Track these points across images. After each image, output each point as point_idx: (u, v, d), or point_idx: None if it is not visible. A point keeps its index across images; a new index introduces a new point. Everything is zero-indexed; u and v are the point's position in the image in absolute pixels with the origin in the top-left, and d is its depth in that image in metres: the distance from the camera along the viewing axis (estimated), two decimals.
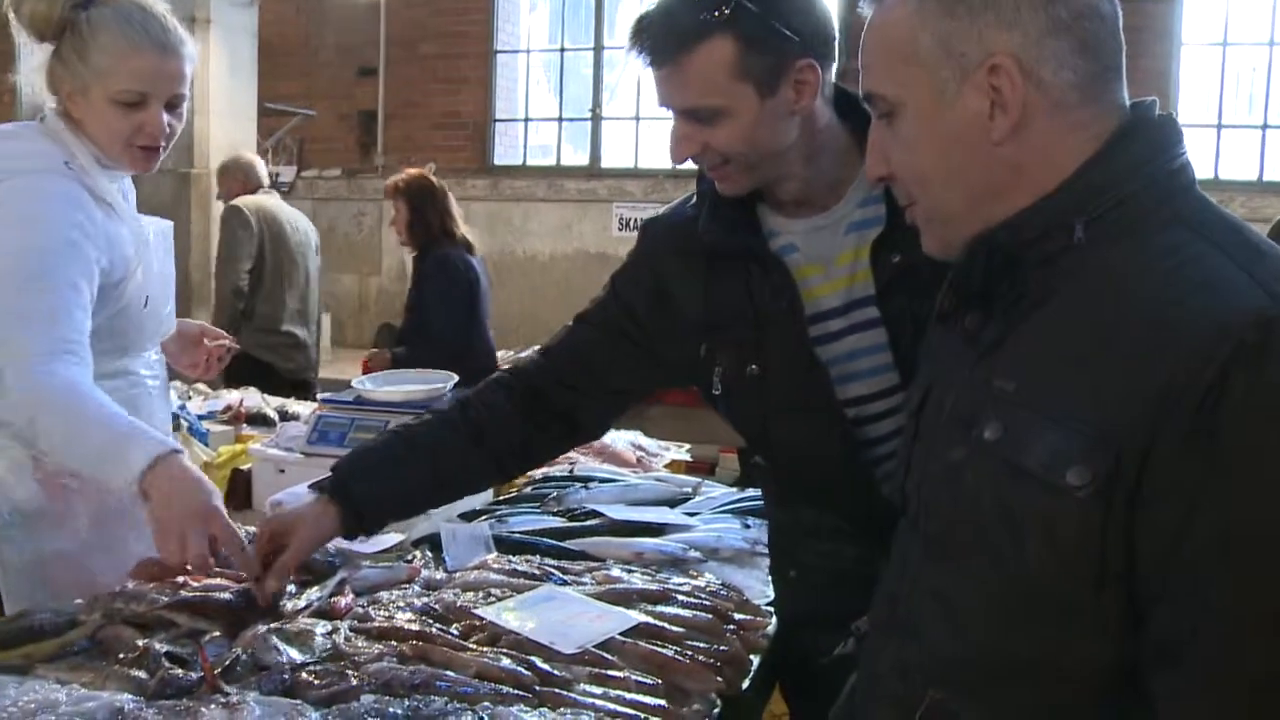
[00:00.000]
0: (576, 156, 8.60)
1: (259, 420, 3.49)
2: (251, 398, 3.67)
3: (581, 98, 8.58)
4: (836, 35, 1.51)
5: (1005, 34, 0.99)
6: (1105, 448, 0.90)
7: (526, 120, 8.75)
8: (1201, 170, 6.65)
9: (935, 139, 1.04)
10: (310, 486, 1.77)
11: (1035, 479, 0.94)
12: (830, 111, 1.54)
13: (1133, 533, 0.90)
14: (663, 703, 1.42)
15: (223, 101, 7.18)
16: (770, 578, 1.89)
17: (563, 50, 8.65)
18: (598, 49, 8.36)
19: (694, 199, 1.69)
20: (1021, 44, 0.99)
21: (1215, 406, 0.86)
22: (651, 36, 1.48)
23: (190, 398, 3.80)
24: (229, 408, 3.56)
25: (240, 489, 3.04)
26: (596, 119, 8.38)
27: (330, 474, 1.74)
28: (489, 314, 4.84)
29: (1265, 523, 0.85)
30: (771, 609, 1.81)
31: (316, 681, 1.44)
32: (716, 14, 1.43)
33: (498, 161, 8.68)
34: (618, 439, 3.15)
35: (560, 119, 8.69)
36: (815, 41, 1.48)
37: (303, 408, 3.64)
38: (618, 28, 8.44)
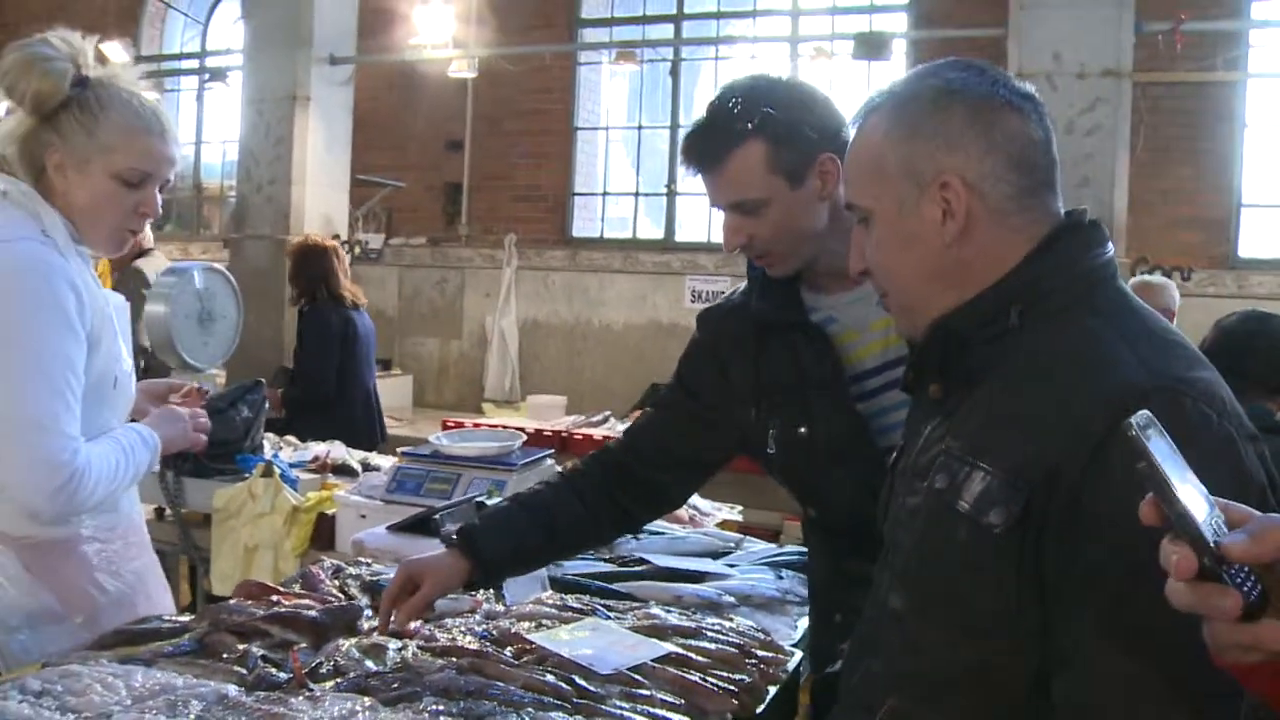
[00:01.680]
0: (652, 230, 8.90)
1: (343, 470, 3.79)
2: (337, 450, 3.98)
3: (658, 173, 8.90)
4: (848, 128, 1.78)
5: (952, 157, 1.23)
6: (1018, 495, 1.12)
7: (605, 194, 9.08)
8: (1265, 249, 6.70)
9: (899, 241, 1.28)
10: (443, 541, 2.01)
11: (968, 519, 1.16)
12: None
13: (1040, 564, 1.12)
14: (683, 718, 1.64)
15: (318, 172, 7.64)
16: (810, 619, 2.09)
17: (640, 128, 9.00)
18: (674, 127, 8.68)
19: (740, 290, 1.98)
20: (965, 164, 1.23)
21: (1095, 466, 1.07)
22: (697, 148, 1.80)
23: (281, 449, 4.12)
24: (316, 458, 3.87)
25: (325, 531, 3.33)
26: (671, 194, 8.68)
27: (457, 533, 1.97)
28: (369, 364, 5.45)
29: (1129, 554, 1.04)
30: (795, 649, 2.02)
31: (386, 685, 1.69)
32: (750, 125, 1.74)
33: (576, 233, 9.00)
34: None
35: (637, 193, 9.01)
36: (833, 137, 1.77)
37: (383, 460, 3.94)
38: (694, 106, 8.78)
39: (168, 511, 3.53)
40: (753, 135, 1.74)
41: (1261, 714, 0.95)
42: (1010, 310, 1.22)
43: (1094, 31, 5.39)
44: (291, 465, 3.71)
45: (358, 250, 7.98)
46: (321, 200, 7.66)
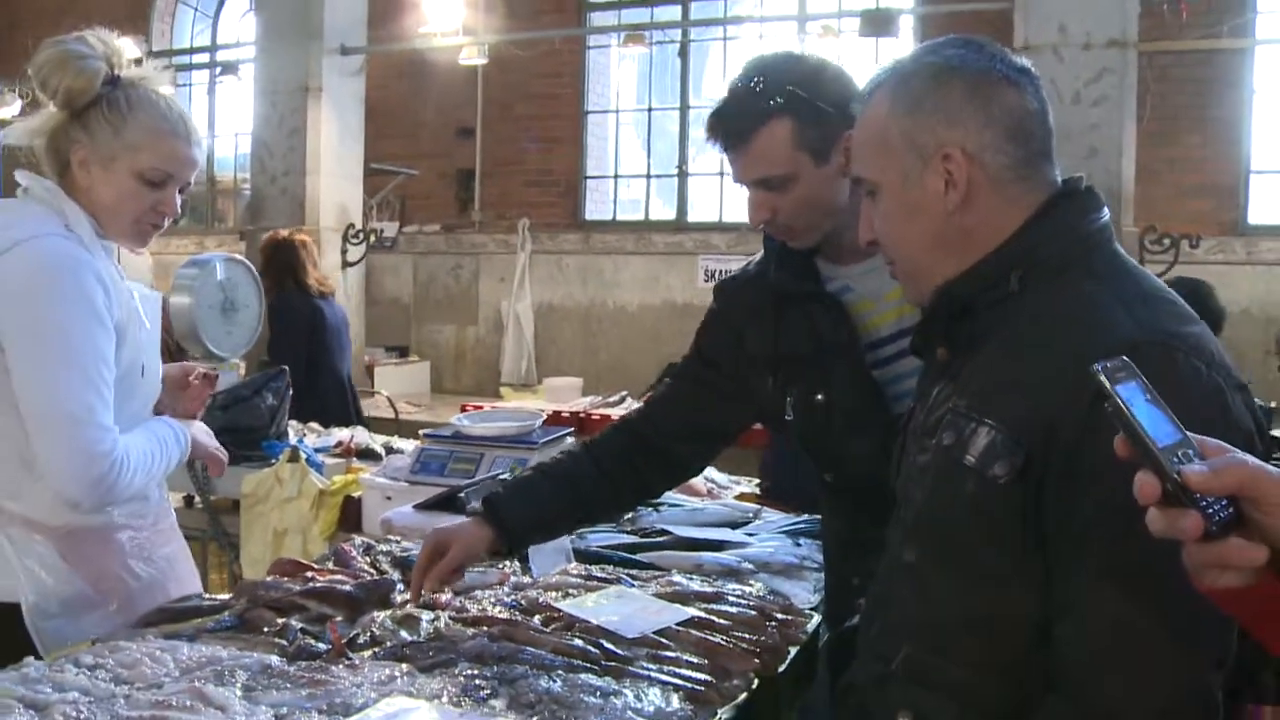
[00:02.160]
0: (664, 211, 8.94)
1: (367, 454, 3.86)
2: (359, 435, 4.05)
3: (668, 154, 8.94)
4: None
5: (953, 130, 1.28)
6: (1019, 448, 1.18)
7: (616, 177, 9.13)
8: (1274, 215, 6.69)
9: (906, 212, 1.33)
10: (468, 512, 2.08)
11: (974, 472, 1.22)
12: None
13: (1040, 514, 1.17)
14: (708, 677, 1.70)
15: (332, 163, 7.70)
16: (826, 583, 2.15)
17: (650, 110, 9.04)
18: (684, 108, 8.72)
19: (755, 261, 2.02)
20: (965, 137, 1.28)
21: (1091, 418, 1.12)
22: (723, 126, 1.84)
23: (305, 435, 4.20)
24: (340, 443, 3.95)
25: (352, 513, 3.41)
26: (683, 175, 8.72)
27: (482, 502, 2.04)
28: (341, 349, 5.53)
29: (1120, 511, 1.09)
30: (813, 612, 2.08)
31: (421, 654, 1.76)
32: (774, 102, 1.78)
33: (589, 217, 9.06)
34: None
35: (648, 175, 9.05)
36: (854, 115, 1.80)
37: (405, 444, 4.01)
38: (703, 86, 8.82)
39: (196, 499, 3.61)
40: (779, 112, 1.78)
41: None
42: (1010, 275, 1.28)
43: (1099, 2, 5.40)
44: (316, 450, 3.78)
45: (373, 239, 8.04)
46: (336, 190, 7.72)
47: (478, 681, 1.60)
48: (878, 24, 6.08)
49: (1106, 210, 1.32)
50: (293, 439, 3.85)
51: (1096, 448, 1.11)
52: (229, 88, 9.57)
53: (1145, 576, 1.10)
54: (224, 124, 10.57)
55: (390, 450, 3.91)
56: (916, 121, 1.30)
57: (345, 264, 7.77)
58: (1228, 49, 6.72)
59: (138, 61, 1.99)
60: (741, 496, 3.36)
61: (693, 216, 8.74)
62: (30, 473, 1.91)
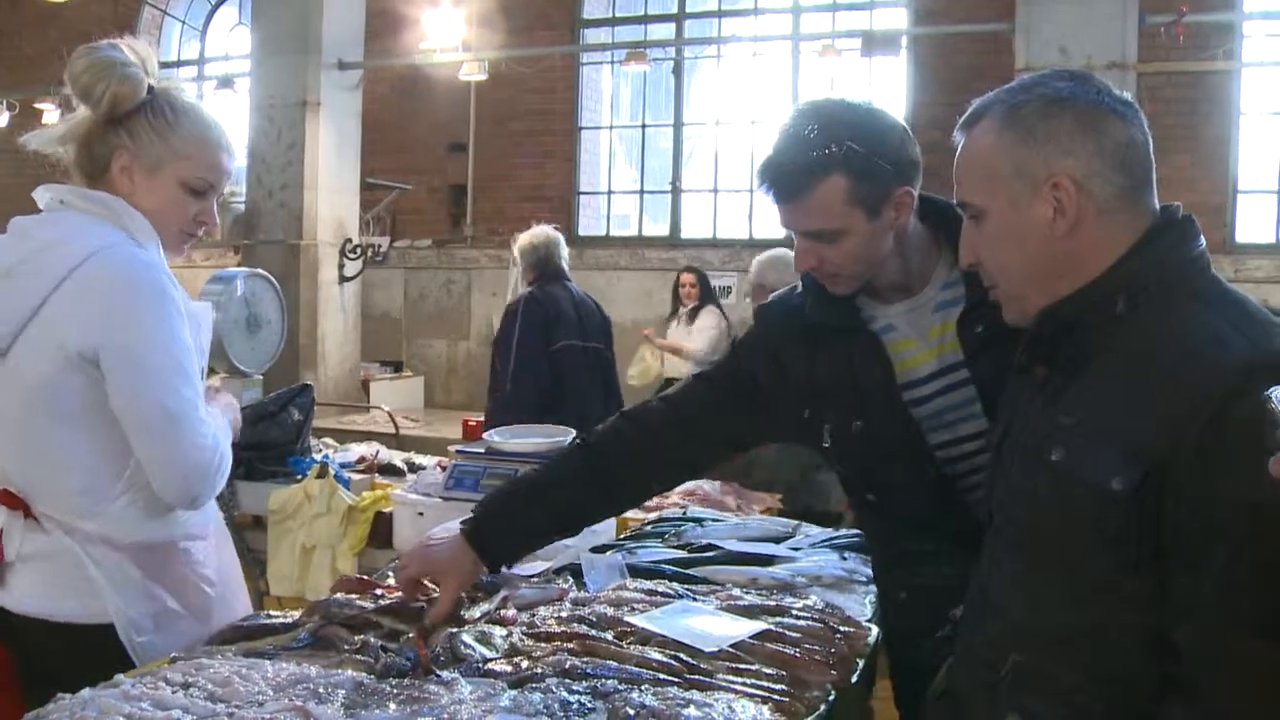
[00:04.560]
0: (656, 227, 8.98)
1: (389, 470, 3.87)
2: (382, 451, 4.06)
3: (661, 171, 8.99)
4: (920, 161, 1.85)
5: (1064, 159, 1.33)
6: (1138, 463, 1.22)
7: (610, 193, 9.16)
8: (1260, 234, 6.82)
9: (1013, 236, 1.38)
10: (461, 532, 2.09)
11: (1089, 487, 1.26)
12: (914, 216, 1.88)
13: (1159, 526, 1.22)
14: (788, 688, 1.73)
15: (330, 177, 7.71)
16: (877, 600, 2.17)
17: (644, 126, 9.09)
18: (677, 125, 8.78)
19: (799, 288, 2.04)
20: (1075, 166, 1.33)
21: (1214, 432, 1.17)
22: (778, 179, 1.83)
23: (321, 450, 4.20)
24: (362, 459, 3.95)
25: (382, 529, 3.41)
26: (676, 191, 8.77)
27: (469, 530, 2.06)
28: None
29: (1246, 515, 1.17)
30: (871, 625, 2.11)
31: (505, 670, 1.77)
32: (829, 151, 1.77)
33: (582, 232, 9.09)
34: (715, 488, 3.48)
35: (641, 191, 9.09)
36: (908, 170, 1.83)
37: (426, 459, 4.02)
38: (695, 104, 8.87)
39: (221, 515, 3.60)
40: (835, 169, 1.77)
41: None
42: (1118, 298, 1.32)
43: (1100, 25, 5.51)
44: (342, 466, 3.78)
45: (370, 254, 8.03)
46: (333, 205, 7.73)
47: (573, 696, 1.62)
48: (879, 44, 6.15)
49: (1203, 238, 1.37)
50: (316, 454, 3.86)
51: (1223, 457, 1.16)
52: (218, 102, 9.54)
53: (1265, 585, 1.14)
54: None
55: (413, 466, 3.92)
56: (1028, 150, 1.34)
57: (342, 279, 7.77)
58: (1216, 71, 6.84)
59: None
60: (766, 511, 3.40)
61: (686, 233, 8.78)
62: (113, 491, 1.92)
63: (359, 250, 7.84)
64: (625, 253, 8.73)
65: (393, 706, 1.56)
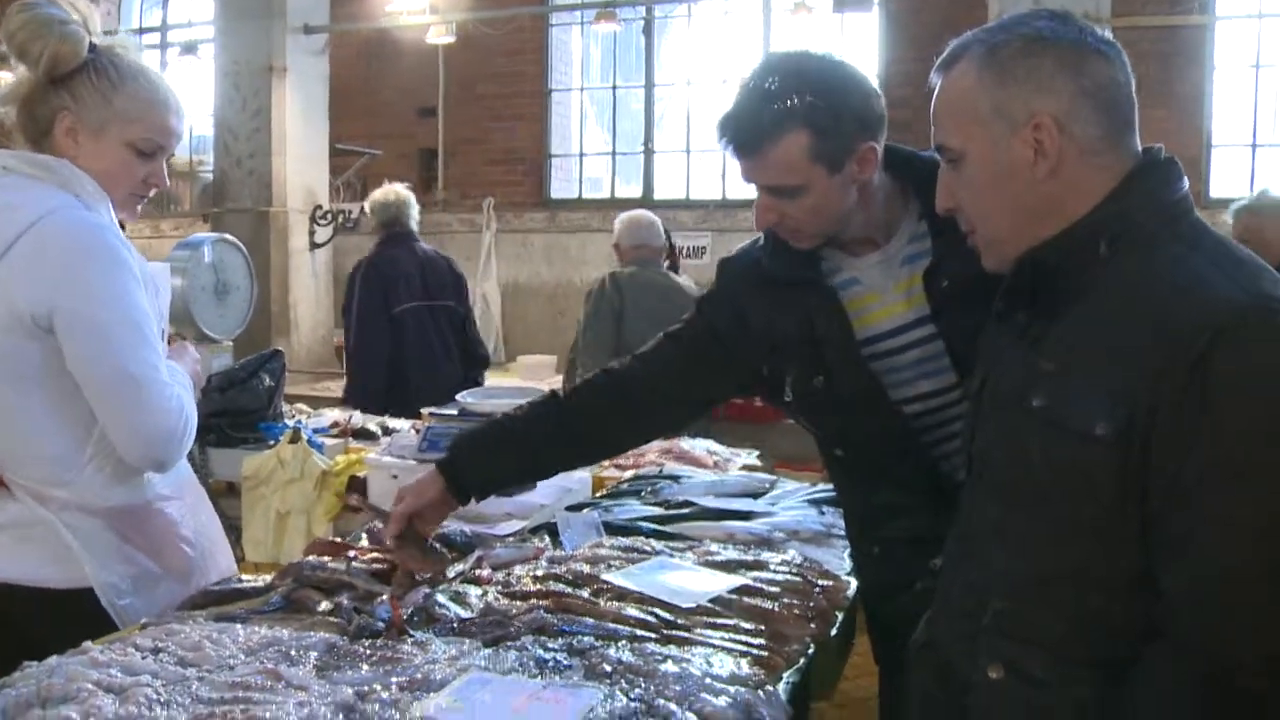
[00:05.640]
0: (629, 189, 8.92)
1: (363, 434, 3.82)
2: (355, 415, 4.01)
3: (633, 132, 8.91)
4: (885, 115, 1.81)
5: (1045, 99, 1.29)
6: (1123, 407, 1.20)
7: (581, 155, 9.09)
8: (1235, 189, 6.82)
9: (992, 179, 1.34)
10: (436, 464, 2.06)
11: (1073, 433, 1.23)
12: (880, 169, 1.84)
13: (1145, 469, 1.20)
14: (768, 643, 1.71)
15: (298, 144, 7.59)
16: (852, 555, 2.16)
17: (615, 88, 8.99)
18: (648, 85, 8.69)
19: (761, 240, 2.00)
20: (1057, 106, 1.29)
21: (1201, 373, 1.15)
22: (736, 133, 1.79)
23: (295, 416, 4.14)
24: (336, 424, 3.90)
25: (356, 493, 3.37)
26: (649, 152, 8.70)
27: (441, 461, 2.05)
28: None
29: (1238, 455, 1.15)
30: (849, 578, 2.10)
31: (479, 630, 1.75)
32: (790, 105, 1.73)
33: (554, 195, 9.01)
34: (695, 445, 3.46)
35: (614, 153, 9.02)
36: (873, 124, 1.79)
37: (399, 423, 3.97)
38: (666, 65, 8.79)
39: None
40: (796, 124, 1.73)
41: None
42: (1100, 241, 1.29)
43: None
44: (313, 431, 3.73)
45: (340, 220, 7.94)
46: (302, 172, 7.62)
47: (549, 654, 1.60)
48: (851, 1, 6.09)
49: (1186, 180, 1.34)
50: (288, 420, 3.80)
51: (1211, 396, 1.14)
52: (183, 69, 9.38)
53: (1258, 528, 1.13)
54: None
55: (386, 430, 3.87)
56: (1007, 90, 1.31)
57: (313, 245, 7.68)
58: (1190, 25, 6.81)
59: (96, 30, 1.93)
60: (746, 468, 3.38)
61: (659, 194, 8.71)
62: (81, 456, 1.89)
63: (329, 216, 7.74)
64: (598, 215, 8.65)
65: (365, 667, 1.54)
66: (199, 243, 3.69)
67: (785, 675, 1.63)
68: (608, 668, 1.55)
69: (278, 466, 3.41)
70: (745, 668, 1.59)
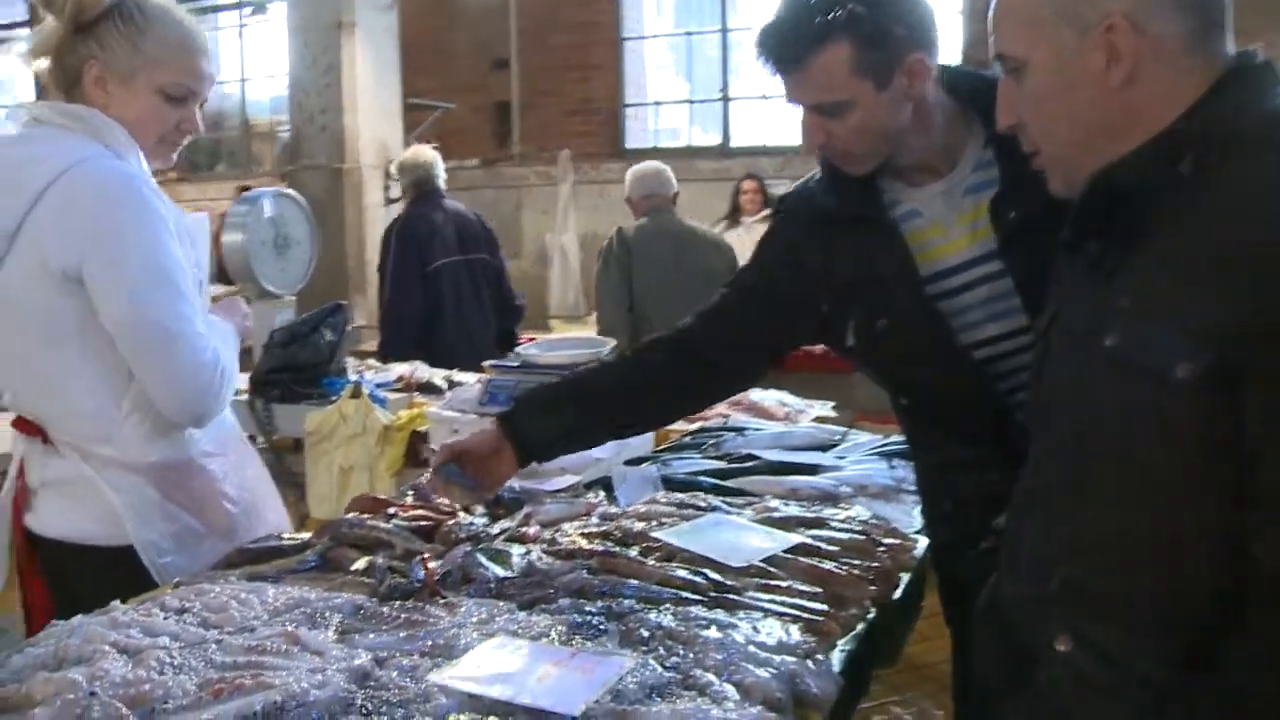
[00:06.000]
0: (706, 138, 8.75)
1: (429, 389, 3.77)
2: (419, 369, 3.95)
3: (709, 79, 8.72)
4: (937, 25, 1.66)
5: None
6: (1208, 346, 1.04)
7: (657, 104, 8.93)
8: None
9: (1059, 90, 1.19)
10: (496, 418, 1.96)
11: (1150, 374, 1.08)
12: (938, 89, 1.69)
13: (1237, 416, 1.04)
14: (824, 607, 1.59)
15: (369, 100, 7.55)
16: (923, 512, 2.03)
17: (689, 33, 8.80)
18: (724, 30, 8.48)
19: (815, 177, 1.86)
20: (1132, 5, 1.13)
21: None
22: (775, 47, 1.66)
23: (363, 371, 4.11)
24: (401, 378, 3.85)
25: (418, 449, 3.32)
26: (726, 99, 8.51)
27: (502, 414, 1.95)
28: None
29: None
30: (918, 537, 1.97)
31: (518, 591, 1.66)
32: (831, 17, 1.59)
33: (630, 145, 8.88)
34: (766, 396, 3.34)
35: (690, 100, 8.84)
36: (921, 35, 1.63)
37: (466, 376, 3.91)
38: (741, 8, 8.56)
39: (259, 439, 3.54)
40: (838, 35, 1.60)
41: None
42: (1183, 158, 1.13)
43: None
44: (378, 386, 3.69)
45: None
46: (375, 127, 7.59)
47: (584, 617, 1.50)
48: None
49: None
50: (351, 375, 3.76)
51: None
52: (259, 29, 9.42)
53: None
54: (255, 66, 10.43)
55: (452, 384, 3.81)
56: None
57: (388, 201, 7.64)
58: None
59: None
60: (819, 420, 3.24)
61: (737, 141, 8.53)
62: (118, 412, 1.86)
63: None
64: (675, 164, 8.43)
65: (388, 631, 1.46)
66: (258, 197, 3.67)
67: (840, 643, 1.52)
68: (645, 633, 1.44)
69: (340, 422, 3.38)
70: (796, 634, 1.47)
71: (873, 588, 1.68)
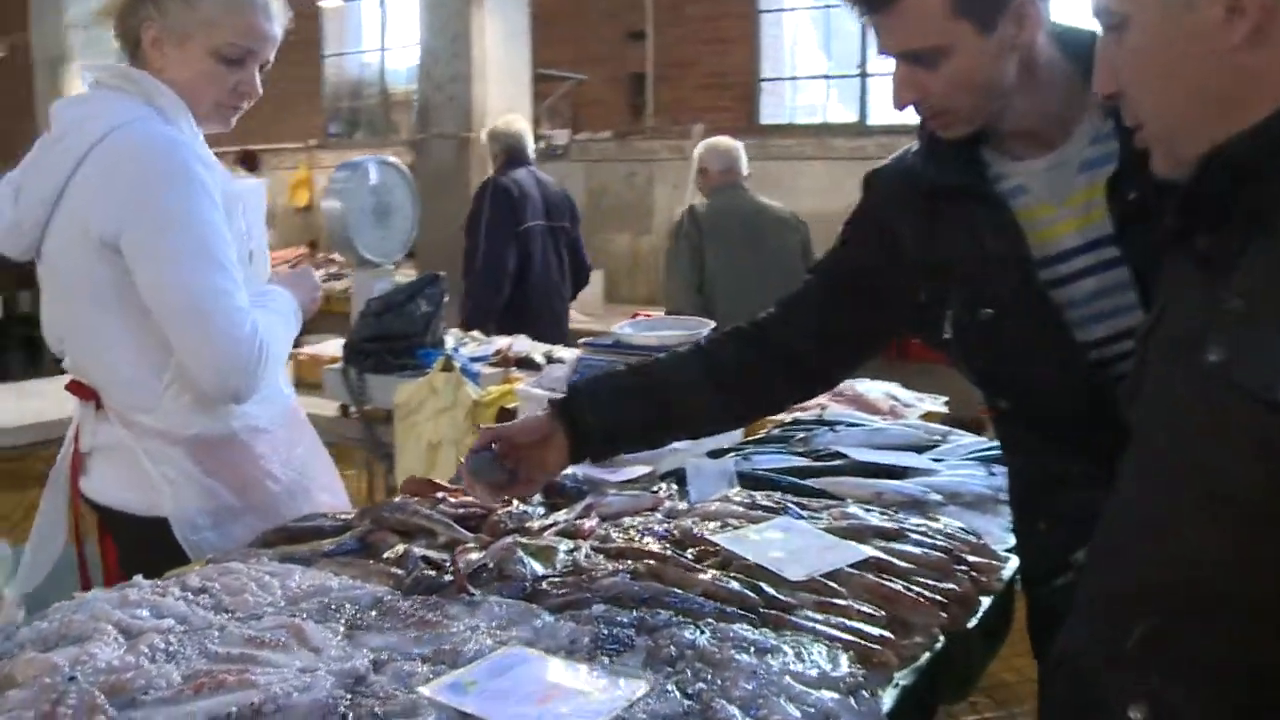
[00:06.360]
0: (844, 114, 8.49)
1: (527, 364, 3.68)
2: (521, 343, 3.87)
3: (847, 55, 8.44)
4: None
5: None
6: None
7: (794, 79, 8.70)
8: None
9: (1166, 50, 1.00)
10: (550, 403, 1.79)
11: (1255, 398, 0.89)
12: (1052, 47, 1.49)
13: None
14: (884, 633, 1.43)
15: (498, 69, 7.50)
16: (1014, 529, 1.83)
17: (828, 6, 8.52)
18: None
19: (911, 149, 1.67)
20: None
21: None
22: None
23: (465, 343, 4.05)
24: (499, 352, 3.78)
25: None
26: (864, 75, 8.23)
27: (557, 401, 1.77)
28: None
29: None
30: (1010, 554, 1.78)
31: (553, 591, 1.54)
32: None
33: (765, 120, 8.66)
34: (873, 388, 3.15)
35: (828, 76, 8.59)
36: None
37: (568, 353, 3.81)
38: None
39: (352, 409, 3.51)
40: None
41: None
42: None
43: None
44: (473, 359, 3.63)
45: (543, 145, 7.85)
46: (503, 97, 7.54)
47: (613, 629, 1.37)
48: None
49: None
50: (450, 346, 3.70)
51: None
52: None
53: None
54: (395, 36, 10.56)
55: (551, 359, 3.72)
56: None
57: None
58: None
59: None
60: (928, 416, 3.03)
61: (875, 119, 8.24)
62: (158, 383, 1.82)
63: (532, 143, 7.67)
64: (810, 141, 8.25)
65: (396, 630, 1.36)
66: (360, 164, 3.63)
67: (897, 676, 1.36)
68: (674, 651, 1.31)
69: (430, 395, 3.31)
70: (845, 664, 1.32)
71: (944, 614, 1.51)
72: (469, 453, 1.70)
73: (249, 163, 9.64)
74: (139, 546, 1.87)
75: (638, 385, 1.79)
